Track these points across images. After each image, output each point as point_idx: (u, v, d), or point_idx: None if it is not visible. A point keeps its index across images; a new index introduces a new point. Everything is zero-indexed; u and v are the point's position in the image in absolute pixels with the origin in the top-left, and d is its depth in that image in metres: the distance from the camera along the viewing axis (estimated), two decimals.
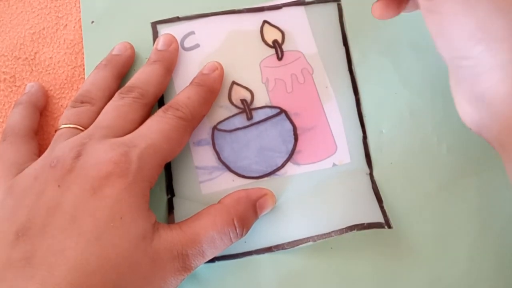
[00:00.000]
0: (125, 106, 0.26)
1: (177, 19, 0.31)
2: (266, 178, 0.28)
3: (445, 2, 0.21)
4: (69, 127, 0.26)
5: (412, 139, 0.29)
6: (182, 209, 0.28)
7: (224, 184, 0.28)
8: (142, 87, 0.27)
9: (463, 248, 0.27)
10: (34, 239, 0.21)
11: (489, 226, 0.28)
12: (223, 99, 0.29)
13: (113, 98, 0.27)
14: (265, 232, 0.27)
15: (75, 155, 0.23)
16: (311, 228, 0.27)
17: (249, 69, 0.30)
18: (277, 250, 0.27)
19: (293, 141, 0.29)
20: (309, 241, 0.26)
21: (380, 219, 0.27)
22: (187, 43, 0.31)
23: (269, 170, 0.28)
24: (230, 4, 0.31)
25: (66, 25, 0.32)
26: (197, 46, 0.30)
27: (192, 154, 0.29)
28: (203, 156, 0.29)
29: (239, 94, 0.30)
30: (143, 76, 0.28)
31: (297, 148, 0.29)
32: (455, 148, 0.29)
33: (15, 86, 0.31)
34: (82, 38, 0.32)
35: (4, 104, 0.31)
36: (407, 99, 0.30)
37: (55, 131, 0.27)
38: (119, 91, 0.27)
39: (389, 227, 0.27)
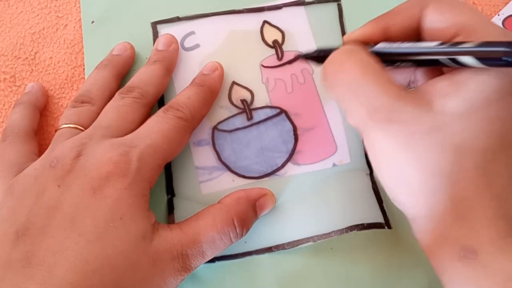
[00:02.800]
0: (125, 106, 0.26)
1: (177, 19, 0.31)
2: (266, 178, 0.28)
3: (376, 147, 0.22)
4: (69, 127, 0.26)
5: None
6: (182, 209, 0.28)
7: (224, 184, 0.28)
8: (142, 87, 0.27)
9: None
10: (34, 239, 0.21)
11: None
12: (223, 99, 0.29)
13: (113, 98, 0.27)
14: (265, 232, 0.27)
15: (75, 155, 0.23)
16: (311, 228, 0.27)
17: (249, 69, 0.30)
18: (277, 250, 0.27)
19: (293, 141, 0.29)
20: (309, 241, 0.26)
21: (380, 219, 0.27)
22: (187, 43, 0.31)
23: (269, 170, 0.28)
24: (230, 4, 0.31)
25: (66, 25, 0.32)
26: (197, 46, 0.30)
27: (192, 154, 0.29)
28: (203, 156, 0.29)
29: (239, 94, 0.30)
30: (143, 76, 0.28)
31: (297, 148, 0.29)
32: None
33: (15, 86, 0.31)
34: (82, 38, 0.32)
35: (4, 104, 0.31)
36: None
37: (55, 131, 0.27)
38: (119, 91, 0.27)
39: (389, 227, 0.27)
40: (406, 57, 0.22)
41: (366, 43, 0.24)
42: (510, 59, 0.18)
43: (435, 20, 0.22)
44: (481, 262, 0.19)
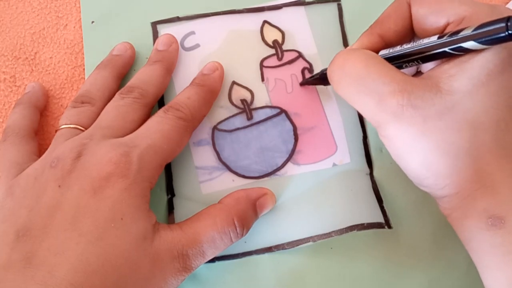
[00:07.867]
0: (125, 106, 0.26)
1: (177, 19, 0.31)
2: (266, 178, 0.28)
3: (392, 138, 0.22)
4: (70, 127, 0.26)
5: None
6: (182, 209, 0.28)
7: (224, 184, 0.28)
8: (142, 87, 0.27)
9: (463, 248, 0.27)
10: (35, 239, 0.21)
11: None
12: (223, 99, 0.29)
13: (113, 98, 0.27)
14: (265, 232, 0.27)
15: (75, 156, 0.23)
16: (311, 228, 0.27)
17: (249, 69, 0.30)
18: (277, 250, 0.27)
19: (293, 141, 0.29)
20: (309, 241, 0.26)
21: (380, 219, 0.27)
22: (187, 43, 0.31)
23: (269, 170, 0.28)
24: (230, 4, 0.31)
25: (66, 25, 0.32)
26: (197, 46, 0.30)
27: (192, 154, 0.29)
28: (203, 156, 0.29)
29: (239, 94, 0.30)
30: (144, 77, 0.28)
31: (297, 148, 0.29)
32: None
33: (15, 86, 0.31)
34: (82, 38, 0.32)
35: (4, 104, 0.31)
36: None
37: (56, 131, 0.27)
38: (119, 91, 0.27)
39: (389, 227, 0.27)
40: (410, 58, 0.22)
41: None
42: (506, 35, 0.18)
43: (423, 13, 0.23)
44: (508, 229, 0.20)
